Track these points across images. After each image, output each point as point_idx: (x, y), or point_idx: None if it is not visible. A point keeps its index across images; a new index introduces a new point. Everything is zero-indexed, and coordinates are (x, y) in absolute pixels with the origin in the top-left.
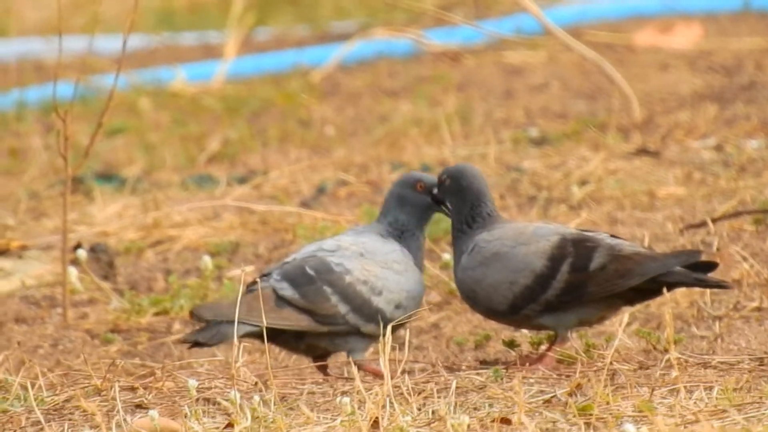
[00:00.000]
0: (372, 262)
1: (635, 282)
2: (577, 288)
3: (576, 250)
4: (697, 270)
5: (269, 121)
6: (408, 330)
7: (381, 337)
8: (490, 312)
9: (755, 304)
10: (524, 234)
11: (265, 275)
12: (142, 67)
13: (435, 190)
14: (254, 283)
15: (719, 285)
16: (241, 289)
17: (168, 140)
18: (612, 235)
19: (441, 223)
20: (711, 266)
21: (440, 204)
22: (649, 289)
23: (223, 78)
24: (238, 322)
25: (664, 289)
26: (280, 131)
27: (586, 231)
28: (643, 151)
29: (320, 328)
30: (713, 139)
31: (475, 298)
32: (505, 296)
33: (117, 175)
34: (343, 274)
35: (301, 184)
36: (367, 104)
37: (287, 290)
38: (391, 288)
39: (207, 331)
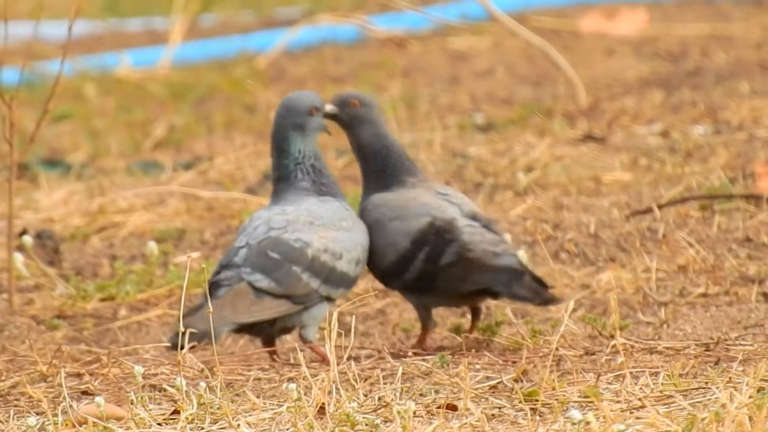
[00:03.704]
0: (323, 227)
1: (467, 288)
2: (427, 278)
3: (435, 240)
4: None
5: (215, 107)
6: (354, 316)
7: (327, 324)
8: (371, 269)
9: (701, 290)
10: (407, 208)
11: (224, 266)
12: (87, 53)
13: (331, 109)
14: (218, 274)
15: (552, 300)
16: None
17: (113, 126)
18: (486, 225)
19: None
20: (541, 283)
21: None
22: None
23: (168, 64)
24: (226, 325)
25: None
26: (226, 117)
27: (477, 215)
28: (588, 137)
29: (297, 308)
30: (659, 125)
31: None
32: (378, 264)
33: (62, 161)
34: (304, 249)
35: (246, 170)
36: (312, 90)
37: (263, 281)
38: (348, 248)
39: (196, 334)
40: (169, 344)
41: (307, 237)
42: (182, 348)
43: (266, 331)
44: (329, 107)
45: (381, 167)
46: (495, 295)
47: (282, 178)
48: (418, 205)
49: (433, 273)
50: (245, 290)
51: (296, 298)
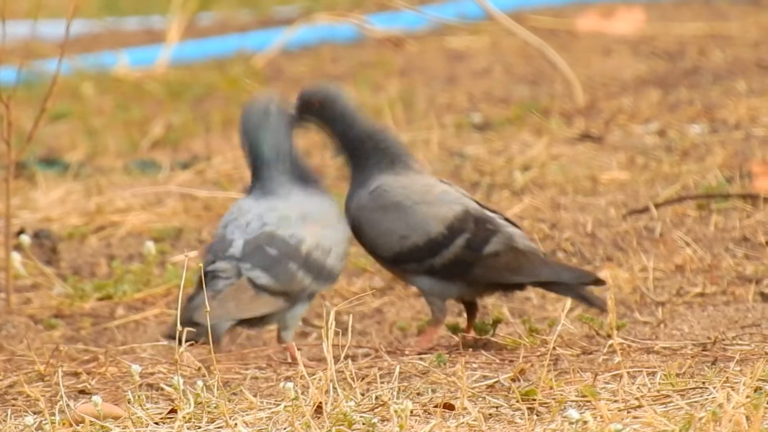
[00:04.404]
0: (314, 222)
1: (522, 280)
2: (464, 265)
3: (476, 228)
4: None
5: (212, 107)
6: (351, 315)
7: (324, 323)
8: (371, 253)
9: (698, 289)
10: (430, 193)
11: (219, 257)
12: (85, 52)
13: (293, 117)
14: (212, 263)
15: (600, 307)
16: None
17: (111, 125)
18: (507, 220)
19: None
20: (600, 283)
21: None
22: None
23: (166, 63)
24: (222, 322)
25: None
26: (224, 116)
27: (487, 209)
28: (586, 137)
29: (288, 305)
30: (656, 124)
31: (362, 236)
32: (391, 247)
33: (60, 160)
34: (299, 246)
35: (244, 169)
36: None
37: (263, 278)
38: (336, 243)
39: (198, 330)
40: (167, 337)
41: (301, 233)
42: (180, 344)
43: (256, 326)
44: (291, 114)
45: (366, 155)
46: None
47: (262, 170)
48: (442, 192)
49: (471, 260)
50: (246, 286)
51: (290, 295)
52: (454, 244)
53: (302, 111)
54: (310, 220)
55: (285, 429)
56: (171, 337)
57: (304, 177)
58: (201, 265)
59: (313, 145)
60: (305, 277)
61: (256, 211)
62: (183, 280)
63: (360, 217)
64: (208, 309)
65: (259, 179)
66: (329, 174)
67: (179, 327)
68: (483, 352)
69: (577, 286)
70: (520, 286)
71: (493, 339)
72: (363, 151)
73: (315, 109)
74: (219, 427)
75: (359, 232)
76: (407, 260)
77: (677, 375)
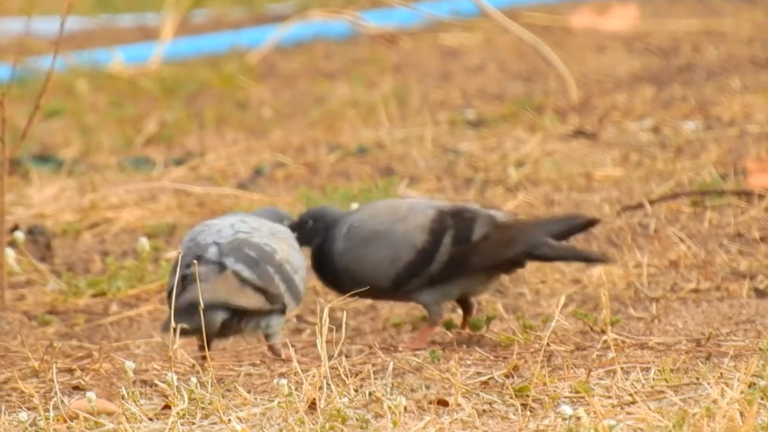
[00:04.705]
0: (282, 240)
1: (519, 249)
2: (460, 260)
3: (456, 222)
4: (580, 231)
5: (206, 103)
6: (345, 312)
7: (318, 320)
8: (373, 290)
9: (692, 285)
10: (400, 210)
11: (198, 259)
12: (79, 49)
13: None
14: (192, 271)
15: (600, 259)
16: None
17: (105, 122)
18: (483, 206)
19: None
20: (593, 223)
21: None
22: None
23: (160, 60)
24: (219, 307)
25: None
26: (217, 113)
27: (459, 204)
28: (580, 133)
29: (268, 306)
30: (650, 120)
31: (357, 279)
32: (387, 273)
33: (54, 157)
34: (273, 254)
35: (238, 166)
36: (303, 86)
37: (246, 272)
38: (301, 265)
39: (190, 317)
40: (165, 329)
41: (274, 245)
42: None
43: (236, 328)
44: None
45: (321, 226)
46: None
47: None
48: (410, 205)
49: (464, 252)
50: (231, 278)
51: (270, 296)
52: (443, 245)
53: (299, 231)
54: (278, 237)
55: (279, 425)
56: (169, 329)
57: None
58: (179, 265)
59: (309, 142)
60: (281, 283)
61: (225, 223)
62: (177, 276)
63: (346, 260)
64: (200, 293)
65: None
66: (323, 171)
67: (173, 324)
68: (477, 348)
69: (575, 249)
70: (521, 262)
71: (487, 335)
72: (317, 224)
73: (310, 226)
74: (213, 424)
75: (352, 275)
76: (407, 280)
77: (671, 371)
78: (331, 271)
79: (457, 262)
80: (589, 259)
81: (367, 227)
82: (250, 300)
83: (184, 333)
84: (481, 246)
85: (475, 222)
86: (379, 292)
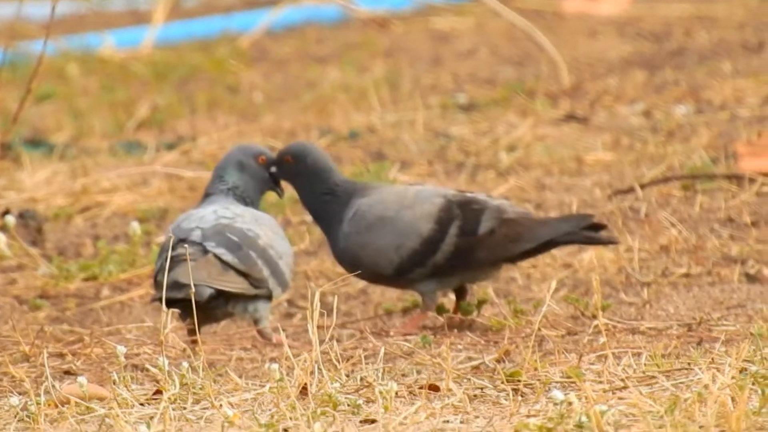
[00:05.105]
0: (265, 227)
1: (526, 247)
2: (465, 252)
3: (463, 213)
4: (585, 230)
5: (197, 88)
6: (336, 296)
7: (309, 304)
8: (375, 276)
9: (683, 270)
10: (407, 197)
11: (182, 241)
12: (70, 33)
13: (272, 169)
14: (178, 252)
15: (609, 241)
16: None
17: (96, 106)
18: (488, 196)
19: None
20: (599, 228)
21: (275, 183)
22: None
23: (151, 44)
24: (204, 285)
25: None
26: (209, 97)
27: (467, 192)
28: (571, 117)
29: (252, 290)
30: (641, 104)
31: (360, 264)
32: (391, 260)
33: (46, 141)
34: (256, 239)
35: (234, 147)
36: (295, 70)
37: (227, 255)
38: (287, 252)
39: (177, 293)
40: (154, 300)
41: (257, 230)
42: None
43: (224, 311)
44: (272, 169)
45: (338, 201)
46: (537, 251)
47: (212, 194)
48: (418, 191)
49: (470, 245)
50: (213, 261)
51: (253, 280)
52: (449, 235)
53: (278, 168)
54: (262, 224)
55: (270, 410)
56: (158, 300)
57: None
58: (170, 243)
59: (300, 126)
60: (264, 268)
61: (208, 209)
62: (168, 260)
63: (351, 246)
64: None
65: (207, 198)
66: None
67: (164, 309)
68: (468, 333)
69: (581, 232)
70: (526, 255)
71: (478, 320)
72: (332, 196)
73: (288, 166)
74: (204, 408)
75: (356, 261)
76: (410, 268)
77: (662, 356)
78: (334, 249)
79: (462, 254)
80: (598, 242)
81: (373, 213)
82: (233, 283)
83: (172, 304)
84: (487, 240)
85: (483, 214)
86: (379, 277)
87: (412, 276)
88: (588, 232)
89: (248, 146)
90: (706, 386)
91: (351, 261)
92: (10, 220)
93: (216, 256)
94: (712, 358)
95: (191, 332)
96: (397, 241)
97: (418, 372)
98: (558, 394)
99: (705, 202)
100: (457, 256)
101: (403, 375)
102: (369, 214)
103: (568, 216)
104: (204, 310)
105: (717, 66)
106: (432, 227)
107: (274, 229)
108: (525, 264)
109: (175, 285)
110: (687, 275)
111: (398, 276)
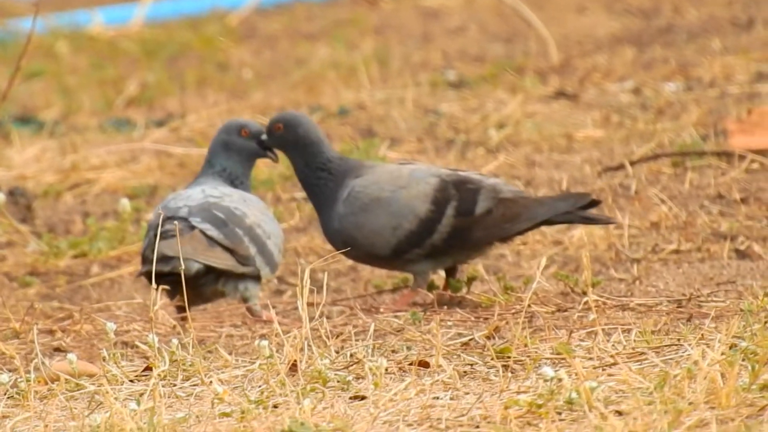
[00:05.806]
0: (253, 207)
1: (523, 227)
2: (462, 232)
3: (459, 193)
4: (582, 209)
5: (187, 65)
6: (326, 273)
7: (299, 281)
8: (370, 257)
9: (673, 246)
10: (402, 177)
11: (169, 218)
12: (59, 11)
13: (263, 137)
14: (166, 228)
15: (607, 221)
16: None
17: (86, 84)
18: (479, 173)
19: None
20: (594, 204)
21: (267, 150)
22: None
23: (141, 21)
24: (191, 260)
25: None
26: (198, 75)
27: (460, 171)
28: (560, 94)
29: (240, 268)
30: (631, 81)
31: (355, 245)
32: (388, 241)
33: (35, 118)
34: (243, 218)
35: (218, 127)
36: (284, 48)
37: (212, 231)
38: (275, 232)
39: (165, 266)
40: (141, 274)
41: (245, 209)
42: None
43: (214, 289)
44: (263, 136)
45: (331, 177)
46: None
47: (206, 175)
48: (411, 171)
49: (467, 225)
50: (199, 236)
51: (239, 257)
52: (446, 215)
53: (268, 135)
54: (250, 204)
55: (260, 387)
56: (144, 274)
57: (241, 185)
58: (158, 221)
59: (290, 103)
60: (251, 246)
61: (196, 189)
62: (158, 237)
63: (346, 227)
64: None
65: (196, 180)
66: None
67: (154, 286)
68: (458, 309)
69: (578, 211)
70: (520, 233)
71: (468, 296)
72: (327, 173)
73: (279, 134)
74: (194, 385)
75: (352, 242)
76: (407, 249)
77: (652, 332)
78: (327, 229)
79: (459, 235)
80: (595, 222)
81: (368, 193)
82: (219, 259)
83: (160, 279)
84: (484, 220)
85: (479, 194)
86: (373, 258)
87: (408, 256)
88: (584, 211)
89: (230, 123)
90: (695, 362)
91: (346, 242)
92: (0, 197)
93: (202, 232)
94: (702, 335)
95: (181, 309)
96: (393, 222)
97: (408, 348)
98: (548, 371)
99: (695, 179)
100: (453, 237)
101: (392, 351)
102: (364, 195)
103: (565, 195)
104: (193, 287)
105: (706, 43)
106: (429, 207)
107: (263, 210)
108: (515, 240)
109: (162, 258)
110: (677, 252)
111: (394, 257)
